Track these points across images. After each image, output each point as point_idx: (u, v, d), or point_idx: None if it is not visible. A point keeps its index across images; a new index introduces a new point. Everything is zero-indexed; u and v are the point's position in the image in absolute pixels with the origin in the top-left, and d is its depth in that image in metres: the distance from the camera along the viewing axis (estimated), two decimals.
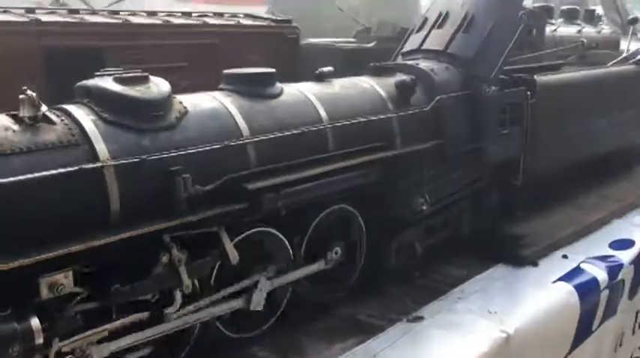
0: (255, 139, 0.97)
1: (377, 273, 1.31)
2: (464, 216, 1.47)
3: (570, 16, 2.94)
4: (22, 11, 1.26)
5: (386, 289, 1.33)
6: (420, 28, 1.56)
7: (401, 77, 1.27)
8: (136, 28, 1.32)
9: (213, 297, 0.97)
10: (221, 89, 1.08)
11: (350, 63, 1.71)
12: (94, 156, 0.81)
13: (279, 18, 1.58)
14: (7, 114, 0.81)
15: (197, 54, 1.40)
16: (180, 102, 0.94)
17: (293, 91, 1.11)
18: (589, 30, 2.93)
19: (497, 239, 1.54)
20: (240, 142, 0.94)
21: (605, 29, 3.06)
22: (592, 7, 3.13)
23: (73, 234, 0.77)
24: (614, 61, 2.08)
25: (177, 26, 1.38)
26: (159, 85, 0.90)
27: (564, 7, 2.96)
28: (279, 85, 1.11)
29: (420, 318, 1.23)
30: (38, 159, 0.77)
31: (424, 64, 1.37)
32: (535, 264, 1.51)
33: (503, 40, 1.47)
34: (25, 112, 0.79)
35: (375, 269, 1.31)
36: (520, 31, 1.50)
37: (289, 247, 1.10)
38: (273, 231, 1.06)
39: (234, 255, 0.96)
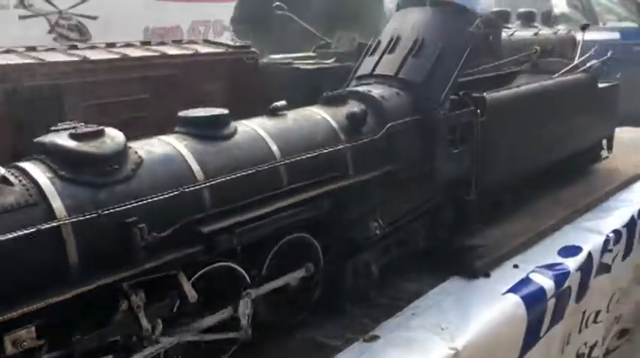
0: (209, 183, 1.02)
1: (335, 294, 1.37)
2: (419, 233, 1.53)
3: (527, 19, 3.01)
4: None
5: (345, 309, 1.39)
6: (374, 51, 1.61)
7: (352, 108, 1.32)
8: (93, 65, 1.35)
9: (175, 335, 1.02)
10: (176, 132, 1.12)
11: (310, 83, 1.76)
12: (51, 214, 0.86)
13: (238, 44, 1.62)
14: None
15: (157, 85, 1.43)
16: (136, 152, 0.98)
17: (246, 129, 1.16)
18: (545, 32, 3.01)
19: (451, 252, 1.61)
20: (193, 188, 0.99)
21: (561, 30, 3.15)
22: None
23: (34, 291, 0.82)
24: (563, 70, 2.15)
25: (135, 59, 1.41)
26: (114, 139, 0.94)
27: (521, 10, 3.04)
28: (233, 124, 1.16)
29: (376, 337, 1.29)
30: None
31: (375, 91, 1.43)
32: (487, 276, 1.58)
33: (451, 64, 1.53)
34: None
35: (333, 291, 1.37)
36: (467, 54, 1.56)
37: (247, 278, 1.15)
38: (231, 264, 1.11)
39: (192, 294, 1.01)
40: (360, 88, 1.47)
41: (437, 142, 1.47)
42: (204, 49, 1.51)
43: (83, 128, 0.96)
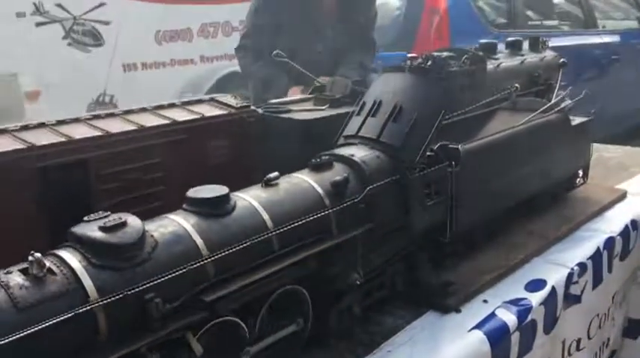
0: (212, 258, 1.24)
1: (323, 333, 1.60)
2: (397, 276, 1.75)
3: (515, 47, 3.18)
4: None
5: (331, 346, 1.62)
6: (359, 112, 1.82)
7: (336, 176, 1.53)
8: (114, 137, 1.57)
9: None
10: (185, 209, 1.35)
11: (305, 133, 1.96)
12: (86, 297, 1.08)
13: (239, 105, 1.83)
14: (19, 270, 1.07)
15: (169, 149, 1.65)
16: (152, 236, 1.20)
17: (244, 203, 1.37)
18: (532, 58, 3.16)
19: (426, 289, 1.82)
20: (198, 264, 1.21)
21: (548, 55, 3.31)
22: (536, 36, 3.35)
23: None
24: (538, 111, 2.34)
25: (150, 129, 1.62)
26: (134, 228, 1.16)
27: (510, 39, 3.20)
28: (232, 199, 1.38)
29: None
30: (46, 309, 1.04)
31: (358, 155, 1.63)
32: (458, 311, 1.79)
33: (427, 127, 1.73)
34: (33, 270, 1.06)
35: (321, 330, 1.59)
36: (440, 118, 1.76)
37: (245, 326, 1.38)
38: (231, 318, 1.34)
39: (198, 349, 1.24)
40: (345, 152, 1.68)
41: (412, 200, 1.68)
42: (209, 113, 1.71)
43: (110, 219, 1.18)
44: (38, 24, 6.29)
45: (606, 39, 6.80)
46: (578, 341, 2.16)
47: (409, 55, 2.44)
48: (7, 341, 0.97)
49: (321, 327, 1.59)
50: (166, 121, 1.71)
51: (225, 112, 1.84)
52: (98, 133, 1.58)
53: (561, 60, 2.80)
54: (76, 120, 1.64)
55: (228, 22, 7.86)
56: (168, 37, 7.26)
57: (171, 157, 1.71)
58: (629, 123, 7.22)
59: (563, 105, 2.39)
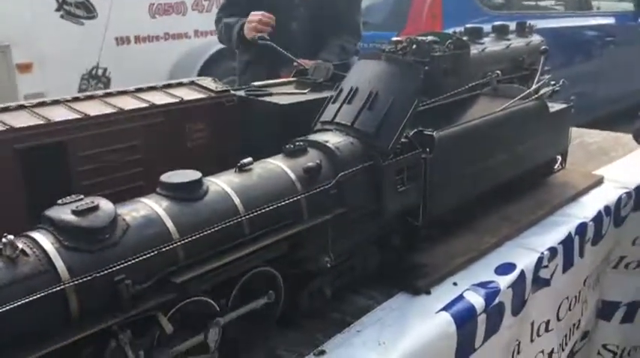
0: (181, 242, 1.29)
1: (294, 314, 1.66)
2: (369, 258, 1.80)
3: (501, 32, 3.20)
4: None
5: (303, 325, 1.67)
6: (336, 98, 1.85)
7: (308, 162, 1.57)
8: (93, 120, 1.61)
9: None
10: (158, 193, 1.39)
11: (285, 118, 2.00)
12: (57, 278, 1.14)
13: (219, 89, 1.86)
14: None
15: (147, 132, 1.69)
16: (124, 219, 1.25)
17: (216, 189, 1.41)
18: (518, 43, 3.19)
19: (397, 271, 1.88)
20: (168, 247, 1.26)
21: (534, 39, 3.34)
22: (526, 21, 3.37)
23: (43, 339, 1.10)
24: (517, 97, 2.38)
25: (128, 112, 1.66)
26: (106, 212, 1.21)
27: (496, 24, 3.22)
28: (205, 184, 1.42)
29: (323, 352, 1.57)
30: (18, 289, 1.09)
31: (332, 141, 1.67)
32: (428, 293, 1.85)
33: (400, 115, 1.77)
34: (7, 252, 1.11)
35: (292, 310, 1.65)
36: (414, 106, 1.80)
37: (217, 307, 1.43)
38: (203, 298, 1.39)
39: (168, 328, 1.29)
40: (319, 138, 1.72)
41: (384, 185, 1.72)
42: (188, 96, 1.75)
43: (83, 203, 1.22)
44: None
45: (601, 20, 6.80)
46: (547, 322, 2.23)
47: (393, 39, 2.47)
48: None
49: (293, 308, 1.64)
50: (144, 104, 1.74)
51: (204, 96, 1.87)
52: (77, 116, 1.62)
53: (543, 47, 2.83)
54: (56, 102, 1.67)
55: None
56: (162, 10, 7.23)
57: (149, 140, 1.75)
58: (624, 104, 7.25)
59: (542, 92, 2.42)
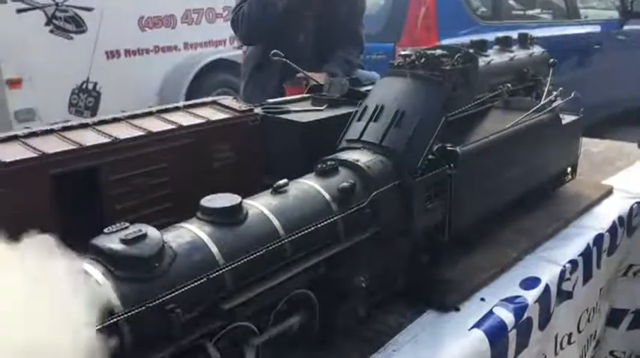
0: (228, 268, 1.28)
1: (329, 333, 1.65)
2: (398, 276, 1.80)
3: (504, 44, 3.23)
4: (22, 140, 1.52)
5: (337, 345, 1.66)
6: (361, 116, 1.85)
7: (342, 182, 1.57)
8: (123, 143, 1.59)
9: None
10: (199, 218, 1.38)
11: (306, 135, 1.99)
12: (111, 310, 1.12)
13: (242, 109, 1.85)
14: None
15: (175, 154, 1.67)
16: (170, 247, 1.23)
17: (255, 211, 1.40)
18: (521, 55, 3.21)
19: (425, 287, 1.87)
20: (216, 274, 1.25)
21: (536, 51, 3.36)
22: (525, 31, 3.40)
23: None
24: (532, 110, 2.40)
25: (156, 134, 1.64)
26: (153, 240, 1.19)
27: (499, 36, 3.25)
28: (244, 208, 1.41)
29: None
30: None
31: (362, 160, 1.67)
32: (457, 310, 1.85)
33: (428, 132, 1.78)
34: None
35: (328, 330, 1.64)
36: (442, 123, 1.80)
37: (257, 330, 1.42)
38: (245, 323, 1.38)
39: (215, 355, 1.28)
40: (349, 156, 1.72)
41: (414, 202, 1.72)
42: (214, 117, 1.74)
43: (130, 232, 1.20)
44: (19, 10, 6.19)
45: (589, 29, 6.90)
46: (570, 335, 2.24)
47: (402, 53, 2.48)
48: None
49: (327, 328, 1.63)
50: (172, 126, 1.72)
51: (229, 116, 1.86)
52: (107, 140, 1.59)
53: (552, 60, 2.86)
54: (84, 126, 1.65)
55: (211, 9, 7.81)
56: (152, 23, 7.20)
57: (177, 161, 1.74)
58: (612, 110, 7.36)
59: (554, 104, 2.44)
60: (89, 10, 6.67)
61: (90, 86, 6.72)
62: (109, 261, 1.18)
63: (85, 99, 6.69)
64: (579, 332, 2.26)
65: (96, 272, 1.16)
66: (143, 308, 1.15)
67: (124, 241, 1.20)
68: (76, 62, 6.62)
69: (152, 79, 7.27)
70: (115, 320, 1.11)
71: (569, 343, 2.20)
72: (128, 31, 6.93)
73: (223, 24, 7.74)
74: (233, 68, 7.45)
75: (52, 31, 6.45)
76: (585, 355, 2.39)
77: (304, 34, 3.56)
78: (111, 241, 1.20)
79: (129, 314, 1.13)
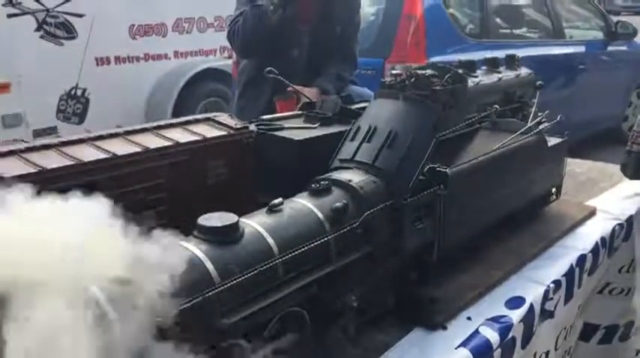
0: (226, 285, 1.31)
1: (321, 350, 1.68)
2: (388, 294, 1.83)
3: (492, 64, 3.28)
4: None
5: None
6: (354, 137, 1.89)
7: (335, 202, 1.60)
8: (121, 159, 1.61)
9: None
10: (195, 236, 1.40)
11: (299, 153, 2.03)
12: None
13: (238, 126, 1.89)
14: None
15: (171, 170, 1.70)
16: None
17: (251, 231, 1.43)
18: (508, 75, 3.26)
19: (412, 306, 1.91)
20: (214, 291, 1.28)
21: (523, 72, 3.42)
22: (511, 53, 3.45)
23: None
24: (519, 132, 2.46)
25: (154, 151, 1.67)
26: None
27: (488, 57, 3.30)
28: (240, 226, 1.44)
29: None
30: None
31: (355, 180, 1.71)
32: (445, 328, 1.89)
33: (419, 154, 1.82)
34: None
35: (319, 347, 1.67)
36: (433, 145, 1.85)
37: (249, 348, 1.44)
38: (237, 341, 1.40)
39: None
40: (342, 176, 1.76)
41: (404, 224, 1.76)
42: (210, 134, 1.77)
43: None
44: (10, 15, 6.18)
45: (573, 49, 7.03)
46: (547, 352, 2.29)
47: (393, 72, 2.52)
48: None
49: (319, 346, 1.66)
50: (169, 143, 1.75)
51: (224, 133, 1.89)
52: (105, 156, 1.62)
53: (538, 82, 2.92)
54: (80, 141, 1.67)
55: (203, 18, 7.84)
56: (143, 31, 7.21)
57: (172, 178, 1.76)
58: (595, 128, 7.49)
59: (541, 127, 2.50)
60: (80, 16, 6.67)
61: (79, 92, 6.71)
62: None
63: (74, 106, 6.68)
64: (556, 349, 2.31)
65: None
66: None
67: None
68: (66, 68, 6.61)
69: (141, 86, 7.28)
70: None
71: None
72: (119, 39, 6.94)
73: (214, 33, 7.79)
74: (222, 77, 7.49)
75: (42, 37, 6.44)
76: None
77: (298, 49, 3.61)
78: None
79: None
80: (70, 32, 6.61)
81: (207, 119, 1.97)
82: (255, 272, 1.39)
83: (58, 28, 6.51)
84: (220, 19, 7.75)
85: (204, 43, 7.79)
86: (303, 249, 1.50)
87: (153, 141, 1.74)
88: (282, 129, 2.19)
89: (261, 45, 3.51)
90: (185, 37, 7.61)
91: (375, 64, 5.10)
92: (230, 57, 7.02)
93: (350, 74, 3.80)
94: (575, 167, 3.40)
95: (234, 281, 1.35)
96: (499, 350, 1.86)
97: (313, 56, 3.62)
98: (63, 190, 1.50)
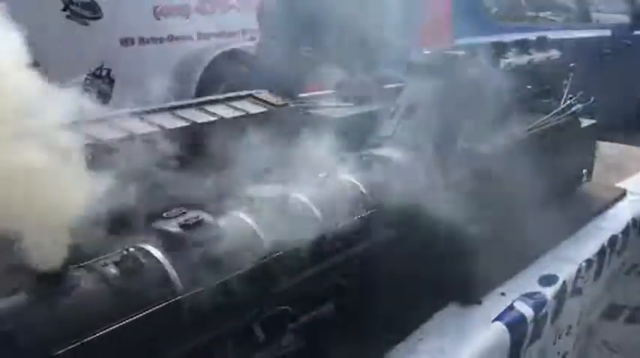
0: (278, 254, 1.35)
1: (360, 322, 1.72)
2: (426, 268, 1.87)
3: (522, 46, 3.28)
4: None
5: (366, 333, 1.73)
6: (393, 115, 1.93)
7: (377, 177, 1.64)
8: (170, 133, 1.66)
9: None
10: (246, 206, 1.45)
11: (339, 130, 2.05)
12: (173, 289, 1.19)
13: (279, 102, 1.93)
14: (113, 262, 1.17)
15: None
16: (224, 232, 1.31)
17: (298, 201, 1.49)
18: (539, 57, 3.26)
19: (449, 282, 1.95)
20: (266, 260, 1.32)
21: (553, 54, 3.41)
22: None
23: (159, 347, 1.16)
24: (553, 113, 2.47)
25: (200, 125, 1.72)
26: (210, 225, 1.28)
27: (518, 38, 3.30)
28: (289, 196, 1.49)
29: None
30: (140, 298, 1.14)
31: (395, 156, 1.75)
32: (479, 303, 1.93)
33: (455, 132, 1.86)
34: (128, 263, 1.16)
35: (358, 320, 1.72)
36: (470, 124, 1.88)
37: (296, 315, 1.49)
38: (285, 307, 1.45)
39: (261, 336, 1.36)
40: (383, 152, 1.80)
41: None
42: (252, 110, 1.81)
43: (188, 217, 1.28)
44: None
45: (599, 33, 6.95)
46: (570, 327, 2.32)
47: (424, 53, 2.54)
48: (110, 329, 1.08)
49: (358, 317, 1.71)
50: (214, 118, 1.80)
51: (266, 109, 1.93)
52: (154, 129, 1.67)
53: (570, 64, 2.92)
54: (132, 115, 1.72)
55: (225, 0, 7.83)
56: (166, 12, 7.22)
57: (217, 152, 1.80)
58: (621, 114, 7.41)
59: (574, 108, 2.51)
60: None
61: (104, 72, 6.75)
62: (169, 243, 1.26)
63: (99, 86, 6.72)
64: (578, 325, 2.34)
65: (158, 253, 1.24)
66: (203, 288, 1.23)
67: (182, 226, 1.27)
68: (91, 48, 6.64)
69: (165, 67, 7.28)
70: (176, 298, 1.19)
71: (567, 334, 2.27)
72: (143, 19, 6.94)
73: (237, 15, 7.78)
74: (245, 59, 7.50)
75: (68, 17, 6.47)
76: (577, 344, 2.47)
77: (329, 35, 3.62)
78: (170, 225, 1.28)
79: (189, 294, 1.21)
80: (96, 12, 6.64)
81: (249, 95, 2.01)
82: (306, 241, 1.44)
83: (84, 8, 6.55)
84: (243, 0, 7.75)
85: (227, 25, 7.79)
86: (349, 221, 1.54)
87: (198, 116, 1.78)
88: (317, 107, 2.23)
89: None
90: (208, 19, 7.60)
91: (401, 47, 5.09)
92: (253, 39, 7.03)
93: (378, 57, 3.81)
94: (604, 150, 3.40)
95: (286, 250, 1.39)
96: (532, 324, 1.90)
97: (343, 41, 3.63)
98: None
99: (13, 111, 1.00)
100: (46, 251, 1.06)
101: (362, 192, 1.64)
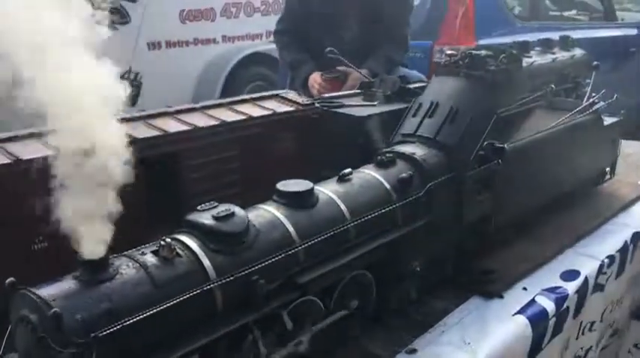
0: (303, 245, 1.41)
1: (383, 314, 1.78)
2: (447, 262, 1.92)
3: (546, 45, 3.31)
4: None
5: (389, 325, 1.79)
6: (416, 113, 1.97)
7: (401, 173, 1.69)
8: (201, 131, 1.74)
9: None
10: (274, 201, 1.52)
11: (362, 129, 2.12)
12: (206, 276, 1.26)
13: (306, 102, 1.99)
14: (151, 252, 1.24)
15: (245, 142, 1.81)
16: (254, 225, 1.38)
17: (324, 197, 1.53)
18: (563, 56, 3.28)
19: (471, 275, 1.99)
20: (293, 250, 1.39)
21: (577, 53, 3.44)
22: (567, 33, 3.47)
23: (194, 333, 1.23)
24: (576, 110, 2.49)
25: (230, 124, 1.79)
26: (240, 218, 1.33)
27: (541, 38, 3.33)
28: (315, 192, 1.55)
29: (414, 351, 1.69)
30: (177, 286, 1.21)
31: (419, 153, 1.79)
32: (501, 297, 1.96)
33: (480, 129, 1.90)
34: (164, 253, 1.23)
35: (381, 311, 1.77)
36: (493, 120, 1.92)
37: (322, 306, 1.55)
38: (312, 298, 1.51)
39: (289, 325, 1.42)
40: (406, 149, 1.85)
41: (466, 194, 1.84)
42: (280, 109, 1.87)
43: (221, 210, 1.35)
44: None
45: (625, 31, 6.89)
46: (592, 323, 2.34)
47: (448, 52, 2.58)
48: (148, 314, 1.15)
49: (382, 308, 1.76)
50: (243, 117, 1.86)
51: (293, 109, 1.99)
52: (187, 127, 1.74)
53: (594, 63, 2.94)
54: (163, 114, 1.80)
55: (250, 3, 7.94)
56: (192, 16, 7.35)
57: (245, 149, 1.88)
58: None
59: (597, 106, 2.53)
60: (133, 1, 6.84)
61: (132, 76, 6.89)
62: (203, 234, 1.33)
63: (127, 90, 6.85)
64: (601, 321, 2.36)
65: (193, 243, 1.31)
66: (233, 277, 1.29)
67: (215, 218, 1.34)
68: (119, 52, 6.76)
69: (191, 70, 7.43)
70: (210, 286, 1.25)
71: (590, 330, 2.29)
72: (170, 23, 7.09)
73: (261, 18, 7.89)
74: (268, 61, 7.59)
75: (97, 22, 6.61)
76: (601, 342, 2.48)
77: (348, 32, 3.69)
78: (204, 217, 1.35)
79: (222, 281, 1.27)
80: (124, 17, 6.79)
81: (276, 95, 2.07)
82: (331, 233, 1.50)
83: (112, 13, 6.69)
84: (267, 4, 7.85)
85: (251, 28, 7.90)
86: (373, 215, 1.60)
87: (228, 115, 1.85)
88: (344, 106, 2.29)
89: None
90: (233, 22, 7.72)
91: (423, 47, 5.14)
92: None
93: (401, 57, 3.86)
94: (626, 147, 3.40)
95: (312, 242, 1.45)
96: (554, 318, 1.93)
97: (363, 38, 3.70)
98: (151, 159, 1.63)
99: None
100: (91, 241, 1.13)
101: (385, 188, 1.69)
